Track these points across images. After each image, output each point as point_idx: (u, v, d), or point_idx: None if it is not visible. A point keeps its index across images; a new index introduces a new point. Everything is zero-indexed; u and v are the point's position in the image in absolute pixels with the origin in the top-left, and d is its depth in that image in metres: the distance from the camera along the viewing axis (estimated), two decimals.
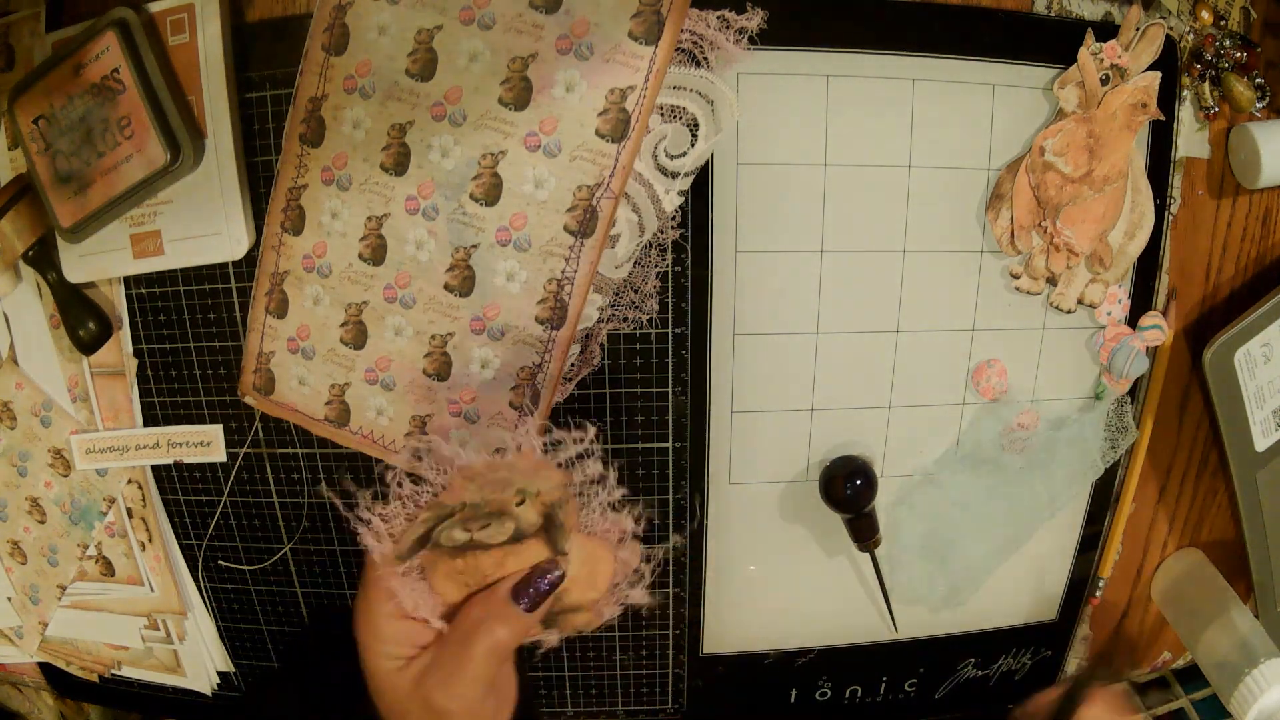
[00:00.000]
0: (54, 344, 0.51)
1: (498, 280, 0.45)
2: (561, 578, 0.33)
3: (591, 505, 0.34)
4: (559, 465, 0.33)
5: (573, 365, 0.47)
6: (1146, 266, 0.49)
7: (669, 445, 0.49)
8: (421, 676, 0.32)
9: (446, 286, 0.45)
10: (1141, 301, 0.49)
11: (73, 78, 0.44)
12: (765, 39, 0.43)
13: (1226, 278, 0.50)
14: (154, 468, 0.52)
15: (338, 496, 0.35)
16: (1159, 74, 0.45)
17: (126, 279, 0.49)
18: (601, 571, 0.34)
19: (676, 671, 0.55)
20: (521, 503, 0.32)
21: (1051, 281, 0.48)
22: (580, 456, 0.33)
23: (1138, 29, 0.44)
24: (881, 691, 0.57)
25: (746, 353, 0.48)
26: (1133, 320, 0.49)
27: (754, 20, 0.42)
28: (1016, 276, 0.48)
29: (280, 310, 0.48)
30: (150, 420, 0.51)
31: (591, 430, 0.33)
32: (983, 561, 0.53)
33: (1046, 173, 0.46)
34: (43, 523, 0.54)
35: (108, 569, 0.55)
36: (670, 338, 0.47)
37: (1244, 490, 0.51)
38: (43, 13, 0.46)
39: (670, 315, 0.47)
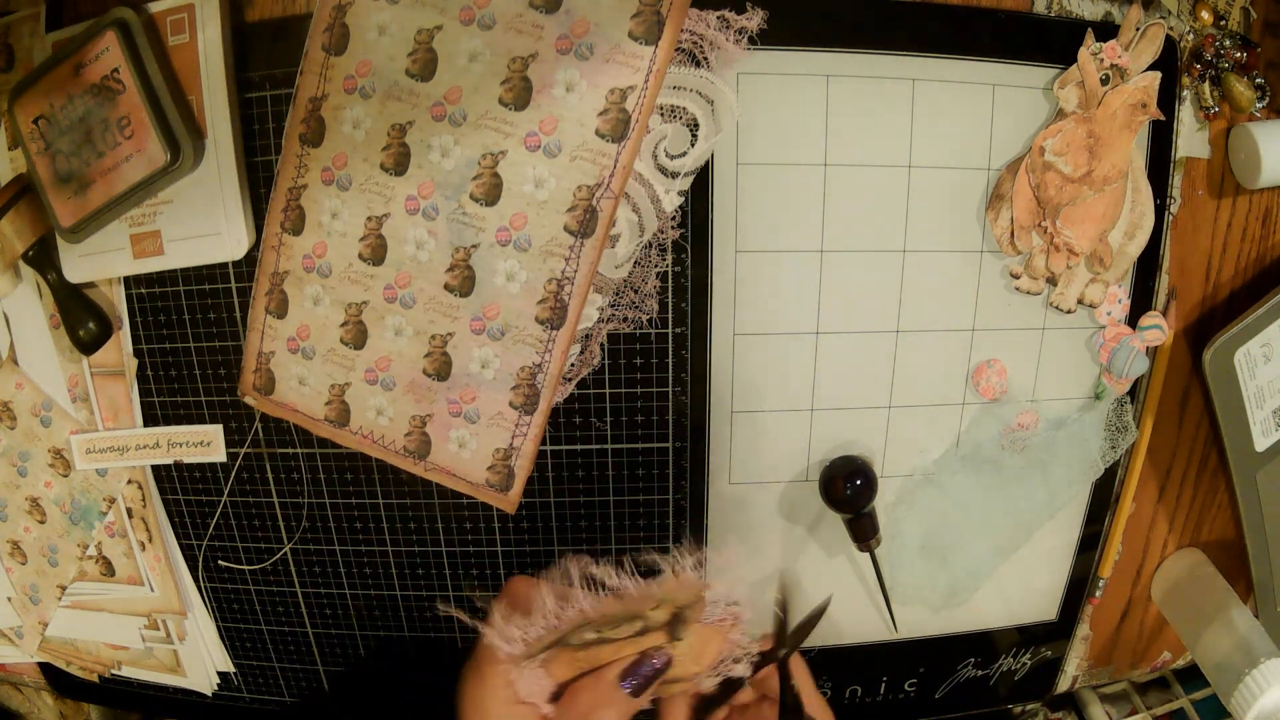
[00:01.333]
0: (54, 344, 0.51)
1: (498, 280, 0.45)
2: (669, 664, 0.33)
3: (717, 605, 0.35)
4: (705, 579, 0.34)
5: (573, 365, 0.47)
6: (1146, 266, 0.49)
7: (669, 445, 0.49)
8: None
9: (446, 286, 0.45)
10: (1141, 301, 0.49)
11: (73, 78, 0.44)
12: (765, 39, 0.43)
13: (1226, 278, 0.50)
14: (154, 468, 0.52)
15: (465, 612, 0.35)
16: (1159, 74, 0.45)
17: (126, 279, 0.49)
18: (709, 651, 0.35)
19: None
20: (656, 608, 0.33)
21: (1051, 281, 0.48)
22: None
23: (1138, 29, 0.44)
24: (881, 691, 0.57)
25: (746, 353, 0.48)
26: (1133, 320, 0.49)
27: (754, 20, 0.42)
28: (1016, 276, 0.48)
29: (280, 310, 0.48)
30: (150, 420, 0.51)
31: (734, 550, 0.35)
32: (983, 561, 0.53)
33: (1046, 173, 0.46)
34: (43, 523, 0.54)
35: (108, 569, 0.55)
36: (670, 338, 0.47)
37: (1244, 490, 0.51)
38: (43, 13, 0.46)
39: (670, 315, 0.47)
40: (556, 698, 0.34)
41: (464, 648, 0.54)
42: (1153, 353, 0.50)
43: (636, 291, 0.46)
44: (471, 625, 0.34)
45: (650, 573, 0.34)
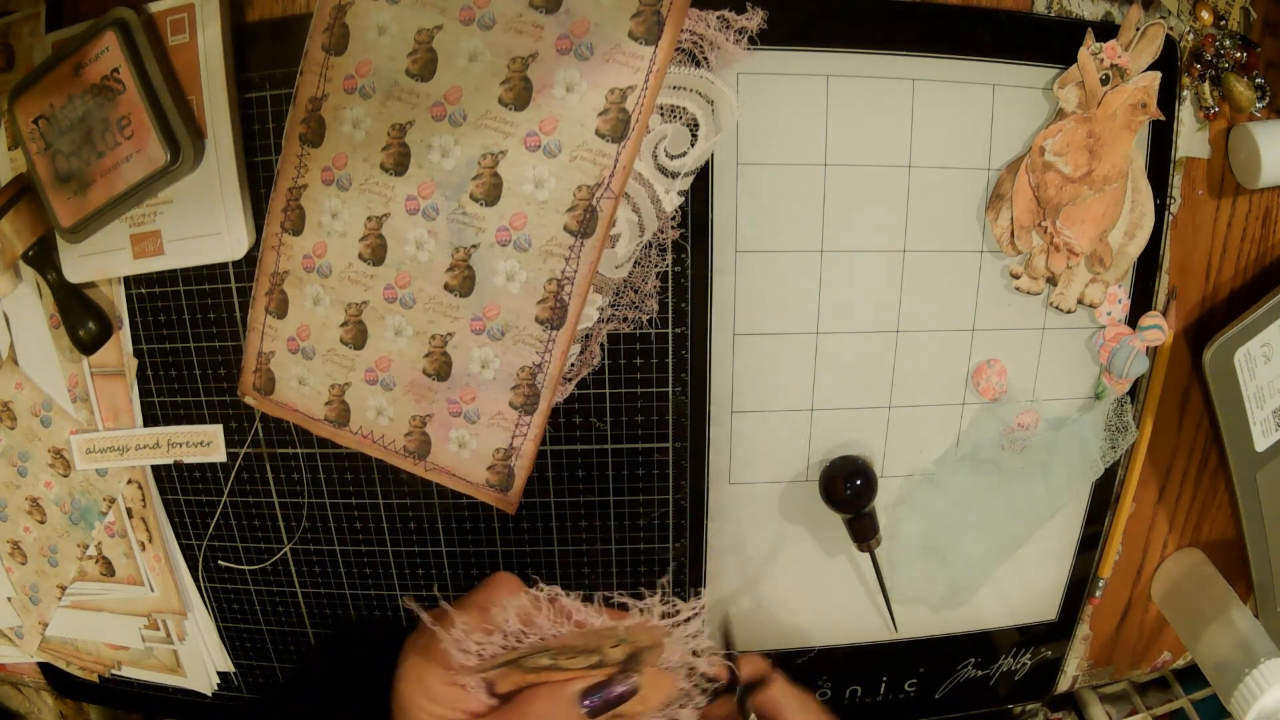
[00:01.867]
0: (54, 344, 0.51)
1: (498, 280, 0.45)
2: (633, 693, 0.33)
3: (676, 649, 0.35)
4: (670, 626, 0.35)
5: (573, 365, 0.47)
6: (1146, 266, 0.49)
7: (669, 445, 0.49)
8: None
9: (446, 286, 0.45)
10: (1141, 301, 0.49)
11: (73, 78, 0.44)
12: (765, 39, 0.43)
13: (1226, 278, 0.50)
14: (154, 468, 0.52)
15: (422, 607, 0.35)
16: (1159, 74, 0.45)
17: (126, 279, 0.49)
18: (658, 694, 0.35)
19: None
20: (616, 645, 0.33)
21: (1051, 281, 0.48)
22: (689, 619, 0.35)
23: (1138, 29, 0.44)
24: (881, 691, 0.57)
25: (746, 353, 0.48)
26: (1133, 320, 0.49)
27: (754, 20, 0.42)
28: (1016, 276, 0.48)
29: (280, 310, 0.48)
30: (150, 420, 0.51)
31: (705, 598, 0.35)
32: (983, 561, 0.53)
33: (1046, 173, 0.46)
34: (43, 523, 0.54)
35: (108, 569, 0.55)
36: (670, 338, 0.47)
37: (1244, 490, 0.51)
38: (43, 13, 0.46)
39: (670, 315, 0.47)
40: (506, 697, 0.34)
41: None
42: (1153, 353, 0.50)
43: (636, 291, 0.46)
44: (426, 620, 0.34)
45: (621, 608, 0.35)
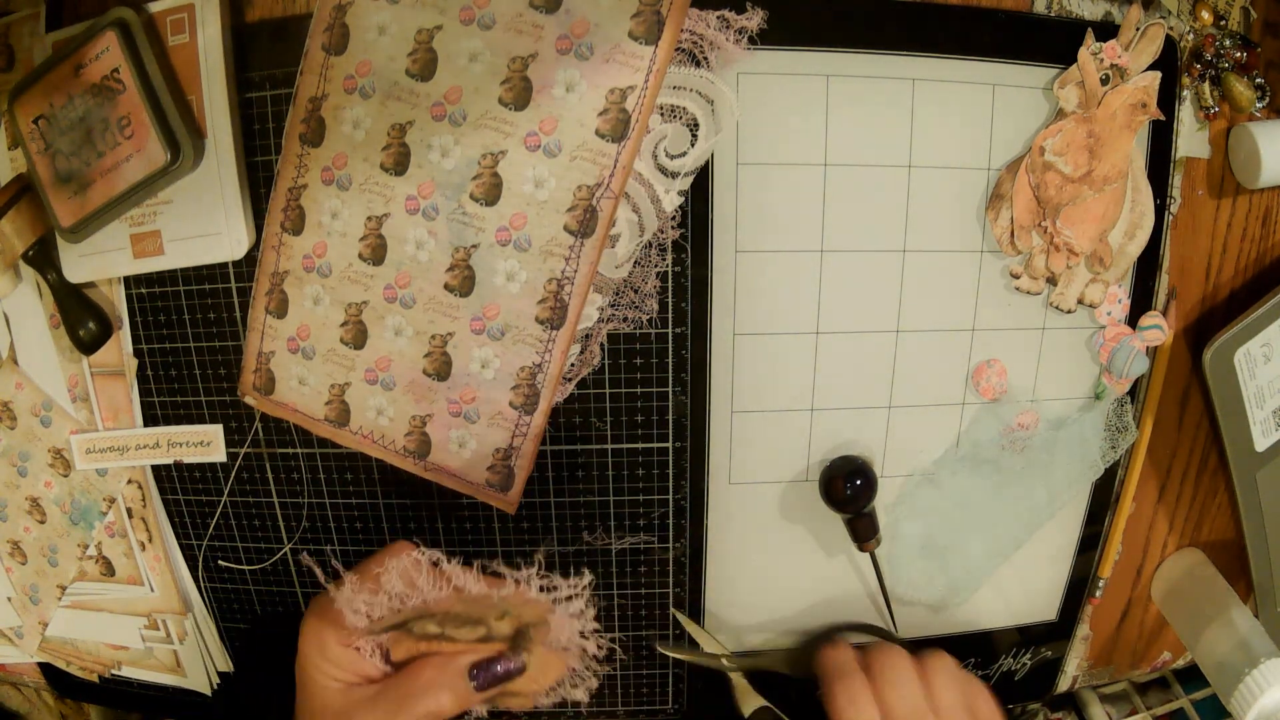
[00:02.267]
0: (54, 344, 0.51)
1: (498, 280, 0.45)
2: (520, 670, 0.34)
3: (564, 629, 0.36)
4: (551, 601, 0.36)
5: (573, 365, 0.47)
6: (1146, 266, 0.49)
7: (669, 445, 0.49)
8: (355, 708, 0.34)
9: (446, 286, 0.45)
10: (1141, 301, 0.49)
11: (73, 78, 0.44)
12: (765, 39, 0.43)
13: (1226, 278, 0.50)
14: (154, 468, 0.52)
15: (317, 564, 0.37)
16: (1159, 74, 0.45)
17: (126, 279, 0.49)
18: (549, 673, 0.36)
19: (676, 672, 0.55)
20: (501, 618, 0.34)
21: (1051, 281, 0.48)
22: (570, 598, 0.36)
23: (1138, 29, 0.44)
24: None
25: (746, 353, 0.48)
26: (1133, 320, 0.49)
27: (754, 20, 0.42)
28: (1016, 276, 0.48)
29: (280, 310, 0.48)
30: (150, 420, 0.51)
31: (586, 578, 0.36)
32: (983, 561, 0.53)
33: (1046, 173, 0.46)
34: (43, 523, 0.54)
35: (108, 569, 0.55)
36: (670, 338, 0.47)
37: (1244, 490, 0.51)
38: (43, 13, 0.46)
39: (670, 315, 0.47)
40: (398, 666, 0.35)
41: None
42: (1153, 353, 0.50)
43: (636, 291, 0.46)
44: (322, 583, 0.35)
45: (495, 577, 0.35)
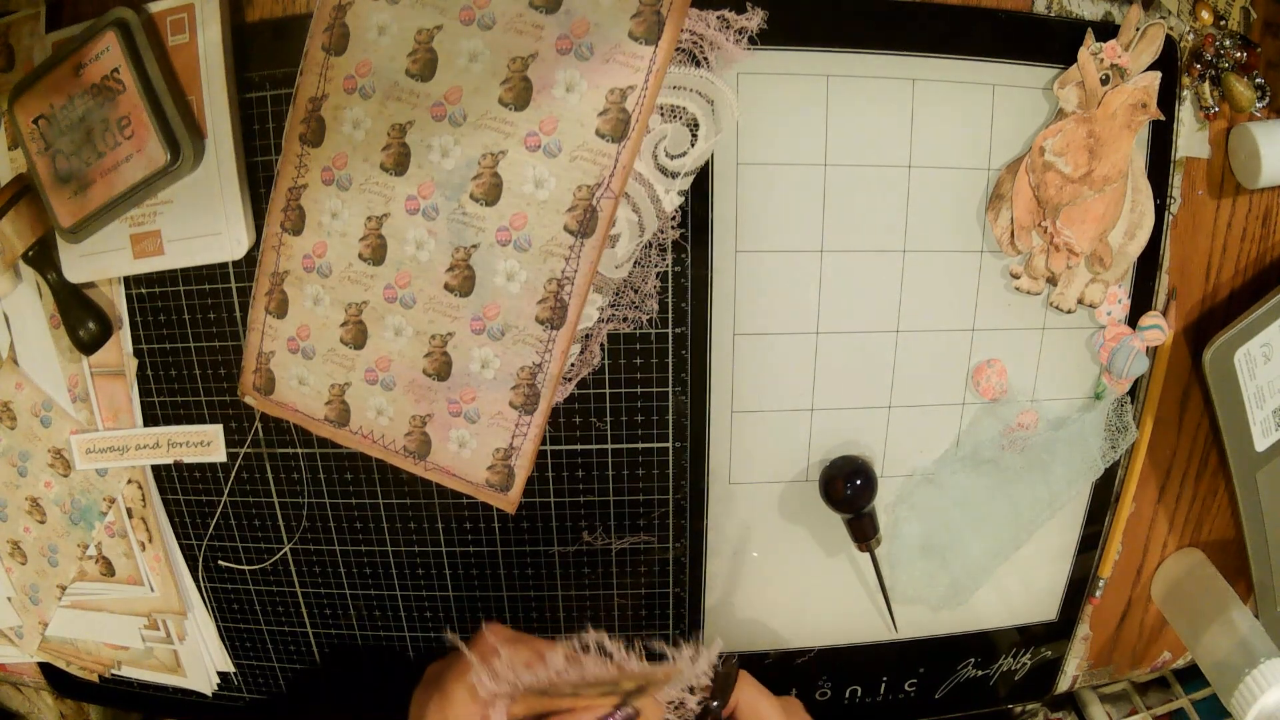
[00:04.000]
0: (54, 344, 0.51)
1: (498, 280, 0.45)
2: (635, 718, 0.36)
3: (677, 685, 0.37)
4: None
5: (573, 365, 0.47)
6: (1146, 266, 0.49)
7: (669, 445, 0.49)
8: None
9: (446, 286, 0.45)
10: (1141, 301, 0.49)
11: (73, 78, 0.44)
12: (765, 39, 0.43)
13: (1226, 278, 0.50)
14: (154, 468, 0.52)
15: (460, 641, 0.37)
16: (1159, 74, 0.45)
17: (126, 279, 0.49)
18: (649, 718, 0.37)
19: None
20: (632, 682, 0.35)
21: (1051, 281, 0.48)
22: (696, 661, 0.36)
23: (1138, 29, 0.44)
24: (881, 691, 0.57)
25: (746, 353, 0.48)
26: (1133, 320, 0.49)
27: (754, 20, 0.42)
28: (1016, 276, 0.48)
29: (280, 310, 0.48)
30: (150, 420, 0.51)
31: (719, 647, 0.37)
32: (983, 561, 0.53)
33: (1046, 173, 0.46)
34: (43, 523, 0.54)
35: (108, 569, 0.55)
36: (670, 338, 0.47)
37: (1244, 490, 0.51)
38: (43, 13, 0.46)
39: (670, 315, 0.47)
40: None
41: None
42: (1153, 353, 0.50)
43: (636, 291, 0.46)
44: (463, 650, 0.35)
45: (652, 656, 0.36)
